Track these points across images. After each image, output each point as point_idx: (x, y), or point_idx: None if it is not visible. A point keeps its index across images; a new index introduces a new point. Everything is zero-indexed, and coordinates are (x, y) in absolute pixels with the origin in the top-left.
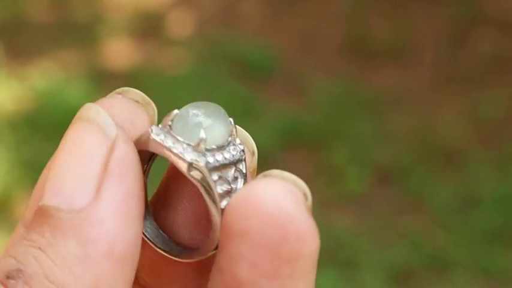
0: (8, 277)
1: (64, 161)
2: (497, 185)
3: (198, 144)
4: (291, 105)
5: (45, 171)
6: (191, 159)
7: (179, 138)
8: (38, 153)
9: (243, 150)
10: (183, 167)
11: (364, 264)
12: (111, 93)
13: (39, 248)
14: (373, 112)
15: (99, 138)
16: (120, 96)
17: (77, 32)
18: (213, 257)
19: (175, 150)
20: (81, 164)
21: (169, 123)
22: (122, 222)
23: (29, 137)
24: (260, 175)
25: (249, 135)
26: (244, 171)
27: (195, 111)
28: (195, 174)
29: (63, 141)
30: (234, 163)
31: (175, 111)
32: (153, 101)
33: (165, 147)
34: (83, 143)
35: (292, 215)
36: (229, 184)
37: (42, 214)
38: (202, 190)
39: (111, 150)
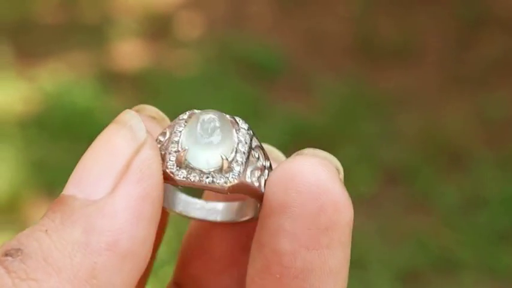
0: (6, 254)
1: (91, 156)
2: (504, 185)
3: (222, 168)
4: (299, 106)
5: None
6: (224, 182)
7: (202, 169)
8: (46, 154)
9: (248, 131)
10: (223, 191)
11: (372, 264)
12: (127, 110)
13: (46, 231)
14: (380, 113)
15: (128, 139)
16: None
17: (85, 33)
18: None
19: (206, 182)
20: (105, 160)
21: (180, 148)
22: (132, 220)
23: (37, 137)
24: (294, 154)
25: (275, 150)
26: (259, 144)
27: (200, 130)
28: (240, 187)
29: (96, 139)
30: (251, 148)
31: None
32: (162, 102)
33: (195, 183)
34: (112, 141)
35: (328, 187)
36: (263, 162)
37: (59, 202)
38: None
39: (136, 152)
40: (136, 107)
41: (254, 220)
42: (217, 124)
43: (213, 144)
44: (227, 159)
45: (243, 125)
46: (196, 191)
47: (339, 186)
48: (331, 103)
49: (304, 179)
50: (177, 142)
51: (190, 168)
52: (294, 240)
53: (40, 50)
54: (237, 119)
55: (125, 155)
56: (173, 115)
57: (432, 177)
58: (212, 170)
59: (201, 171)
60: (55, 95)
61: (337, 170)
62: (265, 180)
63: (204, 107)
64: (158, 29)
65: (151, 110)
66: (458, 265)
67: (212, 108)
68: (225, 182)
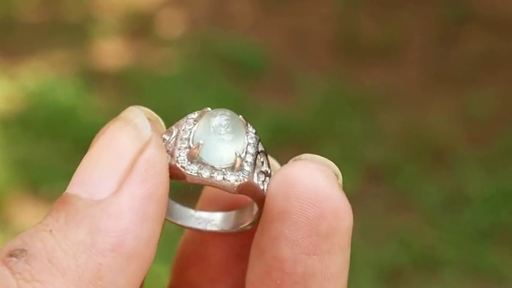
0: (10, 255)
1: (95, 154)
2: (487, 183)
3: (234, 166)
4: (282, 104)
5: None
6: (235, 180)
7: (214, 165)
8: (29, 152)
9: (255, 135)
10: (231, 190)
11: (354, 263)
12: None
13: (50, 231)
14: (363, 111)
15: (132, 137)
16: None
17: (68, 32)
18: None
19: (217, 179)
20: (109, 159)
21: (191, 144)
22: (137, 220)
23: (20, 136)
24: (292, 160)
25: (272, 159)
26: (263, 150)
27: (214, 128)
28: (247, 189)
29: (100, 136)
30: (258, 151)
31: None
32: (145, 100)
33: (205, 180)
34: (116, 140)
35: (328, 193)
36: (266, 168)
37: (63, 201)
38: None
39: (141, 151)
40: (129, 108)
41: (250, 229)
42: (231, 122)
43: (226, 141)
44: (240, 156)
45: (251, 129)
46: (189, 202)
47: (338, 192)
48: (314, 101)
49: (304, 186)
50: (188, 139)
51: (202, 164)
52: (295, 246)
53: (22, 48)
54: (246, 121)
55: (130, 154)
56: (156, 113)
57: (415, 175)
58: (224, 166)
59: (213, 168)
60: (38, 94)
61: (336, 175)
62: (267, 186)
63: (187, 105)
64: (140, 27)
65: (144, 111)
66: (441, 263)
67: (195, 106)
68: (236, 180)
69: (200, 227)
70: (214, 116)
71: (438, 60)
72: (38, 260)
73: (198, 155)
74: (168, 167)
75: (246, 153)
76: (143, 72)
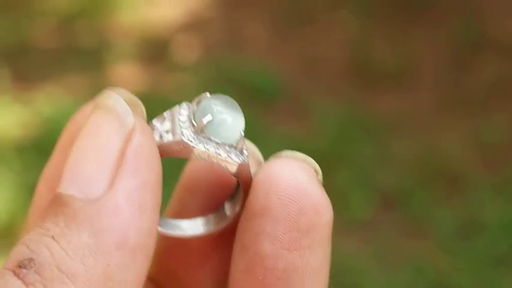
0: (20, 266)
1: (81, 149)
2: (501, 209)
3: (238, 145)
4: (295, 130)
5: (57, 154)
6: (238, 159)
7: (218, 141)
8: None
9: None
10: (232, 169)
11: None
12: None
13: (53, 237)
14: (376, 136)
15: (116, 127)
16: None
17: (82, 57)
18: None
19: (222, 156)
20: (97, 153)
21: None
22: (136, 213)
23: (36, 161)
24: (272, 156)
25: (255, 147)
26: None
27: (218, 108)
28: (242, 172)
29: (82, 129)
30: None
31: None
32: None
33: (210, 155)
34: (100, 132)
35: (308, 189)
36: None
37: (58, 203)
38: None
39: (127, 140)
40: (108, 94)
41: (229, 225)
42: (232, 104)
43: (228, 120)
44: (243, 136)
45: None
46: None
47: (317, 188)
48: (327, 127)
49: (284, 183)
50: (189, 120)
51: (209, 139)
52: (276, 242)
53: (37, 74)
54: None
55: (116, 145)
56: None
57: (429, 201)
58: (228, 144)
59: (218, 144)
60: (52, 119)
61: (316, 171)
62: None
63: None
64: (155, 52)
65: (123, 94)
66: None
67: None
68: (238, 160)
69: (182, 233)
70: (216, 98)
71: (451, 86)
72: (48, 270)
73: (205, 128)
74: (157, 151)
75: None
76: (158, 97)
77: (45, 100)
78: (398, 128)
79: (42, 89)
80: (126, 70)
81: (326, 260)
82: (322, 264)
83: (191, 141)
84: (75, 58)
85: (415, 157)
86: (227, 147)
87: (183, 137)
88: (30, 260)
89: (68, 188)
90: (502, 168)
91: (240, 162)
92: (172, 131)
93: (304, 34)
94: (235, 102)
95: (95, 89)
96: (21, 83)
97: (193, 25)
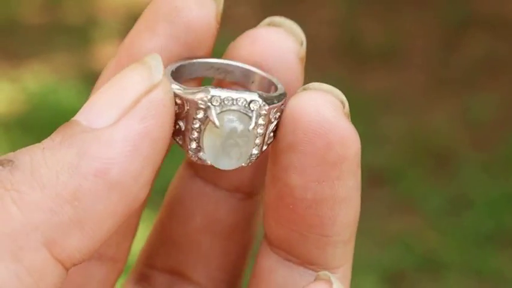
0: None
1: (106, 87)
2: (489, 187)
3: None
4: None
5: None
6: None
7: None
8: None
9: (263, 108)
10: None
11: (357, 266)
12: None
13: (43, 148)
14: (365, 115)
15: (143, 78)
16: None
17: (69, 34)
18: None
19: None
20: (115, 93)
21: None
22: (127, 153)
23: (22, 138)
24: (300, 88)
25: (297, 26)
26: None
27: (221, 147)
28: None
29: (118, 73)
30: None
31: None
32: None
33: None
34: (128, 77)
35: (334, 122)
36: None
37: (65, 125)
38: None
39: (147, 91)
40: (151, 54)
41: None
42: (238, 130)
43: (233, 156)
44: (246, 163)
45: (262, 109)
46: None
47: (344, 121)
48: None
49: (310, 118)
50: (197, 141)
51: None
52: (304, 175)
53: (24, 51)
54: (255, 104)
55: (136, 92)
56: None
57: (418, 179)
58: (233, 168)
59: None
60: (39, 96)
61: (342, 103)
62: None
63: None
64: None
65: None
66: (444, 267)
67: None
68: (247, 165)
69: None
70: (222, 134)
71: (441, 64)
72: (21, 172)
73: (206, 162)
74: (172, 113)
75: (254, 146)
76: None
77: (32, 77)
78: (387, 106)
79: (29, 66)
80: (113, 48)
81: (356, 190)
82: (352, 193)
83: (193, 160)
84: (62, 36)
85: (403, 135)
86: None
87: (187, 153)
88: (9, 161)
89: (79, 115)
90: (490, 146)
91: (248, 164)
92: (183, 136)
93: (292, 12)
94: (243, 115)
95: (82, 67)
96: (8, 60)
97: None
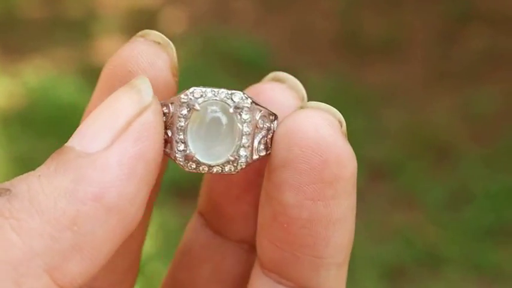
0: None
1: (97, 112)
2: (490, 181)
3: (229, 161)
4: None
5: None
6: (234, 169)
7: (211, 163)
8: (30, 150)
9: (250, 106)
10: (234, 174)
11: (358, 260)
12: (133, 37)
13: (39, 176)
14: (366, 108)
15: (133, 101)
16: (142, 39)
17: (69, 29)
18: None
19: (215, 172)
20: (107, 117)
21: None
22: (123, 177)
23: (21, 133)
24: (298, 107)
25: (299, 83)
26: (262, 111)
27: (206, 133)
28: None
29: (107, 98)
30: (257, 121)
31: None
32: None
33: (204, 172)
34: (118, 101)
35: (331, 141)
36: (268, 125)
37: (59, 152)
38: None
39: (138, 114)
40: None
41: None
42: (223, 121)
43: (219, 142)
44: (233, 155)
45: (245, 102)
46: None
47: (341, 140)
48: (316, 98)
49: (307, 135)
50: (183, 140)
51: (199, 163)
52: (299, 193)
53: (24, 45)
54: (236, 96)
55: (127, 115)
56: None
57: (418, 172)
58: (220, 163)
59: (210, 165)
60: (39, 91)
61: (340, 122)
62: (271, 139)
63: None
64: (142, 24)
65: (156, 35)
66: (444, 261)
67: None
68: (235, 169)
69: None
70: (205, 122)
71: (441, 58)
72: (19, 200)
73: (194, 157)
74: (162, 134)
75: (241, 136)
76: None
77: (32, 72)
78: (387, 100)
79: (29, 61)
80: (113, 42)
81: (351, 210)
82: (347, 214)
83: (182, 165)
84: (62, 30)
85: (404, 128)
86: (220, 165)
87: (175, 160)
88: (7, 190)
89: (71, 141)
90: (491, 140)
91: (237, 169)
92: (170, 141)
93: (292, 6)
94: (226, 106)
95: (82, 61)
96: (8, 55)
97: None
